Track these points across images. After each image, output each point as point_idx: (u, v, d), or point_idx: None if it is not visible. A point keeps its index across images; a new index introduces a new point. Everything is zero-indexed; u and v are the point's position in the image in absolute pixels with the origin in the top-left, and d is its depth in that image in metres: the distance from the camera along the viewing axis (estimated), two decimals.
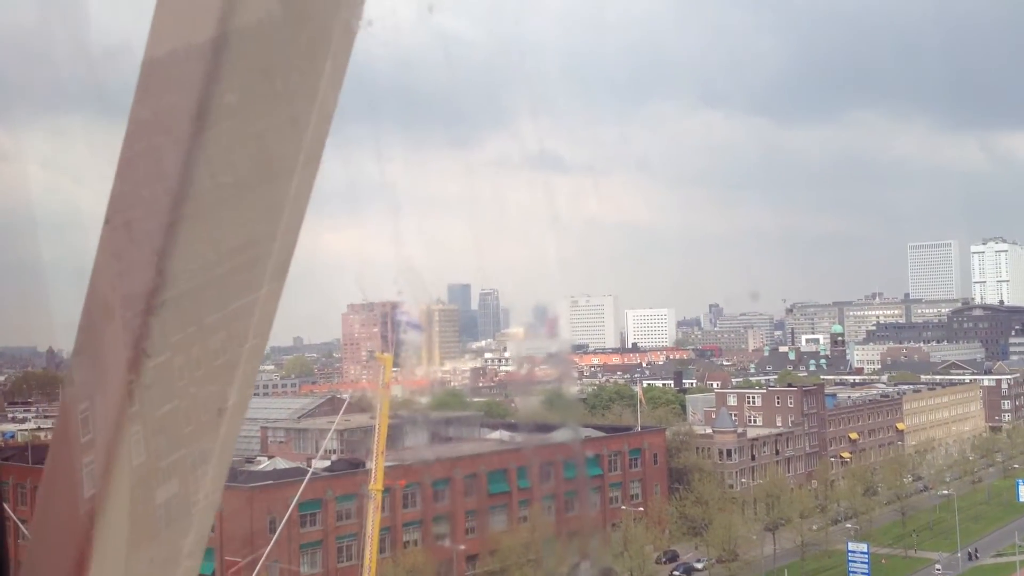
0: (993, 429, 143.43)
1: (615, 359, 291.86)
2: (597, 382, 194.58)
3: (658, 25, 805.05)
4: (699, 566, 77.56)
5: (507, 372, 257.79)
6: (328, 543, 62.05)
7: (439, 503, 68.86)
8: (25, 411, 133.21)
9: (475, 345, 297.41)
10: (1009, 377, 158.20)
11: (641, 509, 77.07)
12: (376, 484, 24.65)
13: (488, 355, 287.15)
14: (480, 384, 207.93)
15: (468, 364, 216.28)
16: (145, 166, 2.48)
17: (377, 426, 20.07)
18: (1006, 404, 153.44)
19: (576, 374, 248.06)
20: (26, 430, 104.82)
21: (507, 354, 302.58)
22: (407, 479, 64.42)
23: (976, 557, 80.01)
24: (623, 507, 78.44)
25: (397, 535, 65.15)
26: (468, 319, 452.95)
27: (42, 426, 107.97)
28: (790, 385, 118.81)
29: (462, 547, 64.66)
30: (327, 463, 70.23)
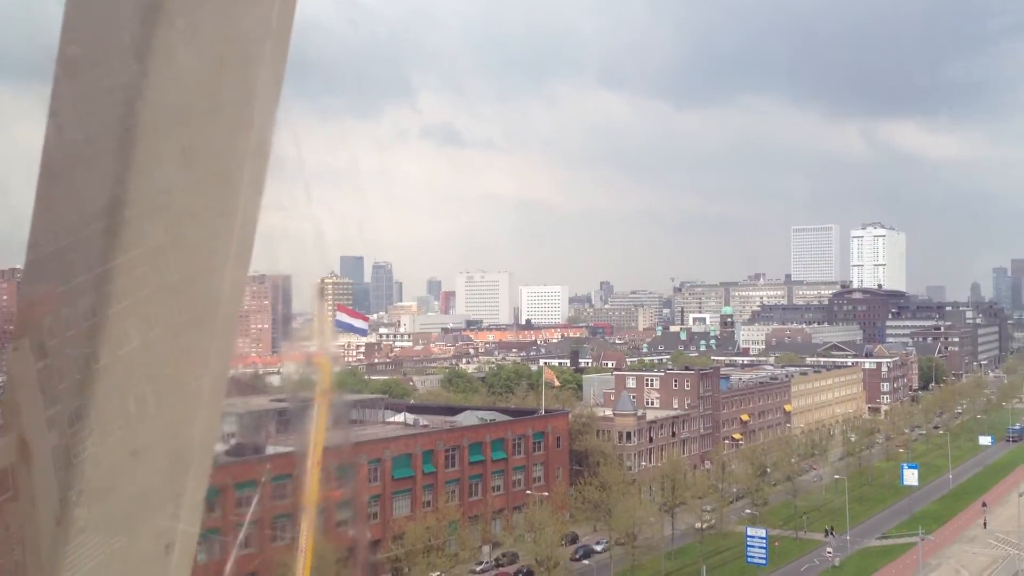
0: (872, 410, 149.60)
1: (510, 336, 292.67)
2: (493, 360, 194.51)
3: (559, 5, 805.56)
4: (599, 548, 78.16)
5: (402, 348, 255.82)
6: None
7: (342, 489, 67.24)
8: None
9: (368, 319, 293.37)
10: (889, 360, 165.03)
11: (545, 493, 77.15)
12: (310, 496, 23.42)
13: (382, 330, 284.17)
14: (375, 360, 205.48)
15: (362, 339, 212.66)
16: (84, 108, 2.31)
17: (312, 438, 19.01)
18: (885, 386, 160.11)
19: (472, 351, 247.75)
20: None
21: (402, 329, 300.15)
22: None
23: (832, 534, 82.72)
24: (528, 491, 78.44)
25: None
26: (361, 292, 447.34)
27: None
28: (687, 368, 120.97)
29: (367, 535, 63.50)
30: (225, 447, 67.80)
